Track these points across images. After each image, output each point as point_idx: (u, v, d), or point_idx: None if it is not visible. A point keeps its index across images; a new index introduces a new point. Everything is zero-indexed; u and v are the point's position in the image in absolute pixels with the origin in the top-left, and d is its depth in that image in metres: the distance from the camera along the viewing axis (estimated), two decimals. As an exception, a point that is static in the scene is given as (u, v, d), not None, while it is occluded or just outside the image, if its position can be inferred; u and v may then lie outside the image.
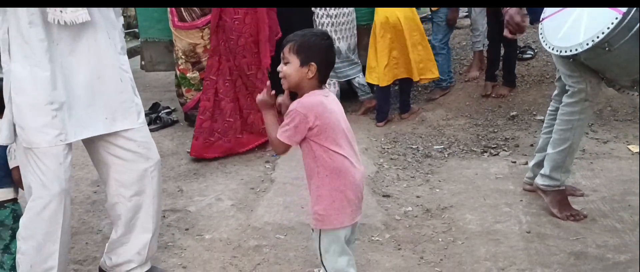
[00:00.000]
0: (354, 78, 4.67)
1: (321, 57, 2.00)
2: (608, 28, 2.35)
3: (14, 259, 2.28)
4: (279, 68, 2.04)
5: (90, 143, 2.27)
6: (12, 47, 2.02)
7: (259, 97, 2.08)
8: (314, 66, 1.98)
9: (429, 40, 4.75)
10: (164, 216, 3.12)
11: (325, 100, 2.01)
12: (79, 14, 2.01)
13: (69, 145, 2.14)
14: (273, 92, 2.06)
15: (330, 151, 2.01)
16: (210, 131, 3.95)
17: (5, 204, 2.35)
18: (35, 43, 2.00)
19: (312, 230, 2.15)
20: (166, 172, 3.82)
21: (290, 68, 2.00)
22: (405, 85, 4.63)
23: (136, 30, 6.58)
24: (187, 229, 2.98)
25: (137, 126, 2.27)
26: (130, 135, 2.26)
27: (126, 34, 6.29)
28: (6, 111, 2.11)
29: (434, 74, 4.57)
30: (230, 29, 3.84)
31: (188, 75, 4.37)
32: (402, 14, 4.32)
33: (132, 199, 2.31)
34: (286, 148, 2.04)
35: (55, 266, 2.18)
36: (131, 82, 2.30)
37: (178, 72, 4.43)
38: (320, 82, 2.04)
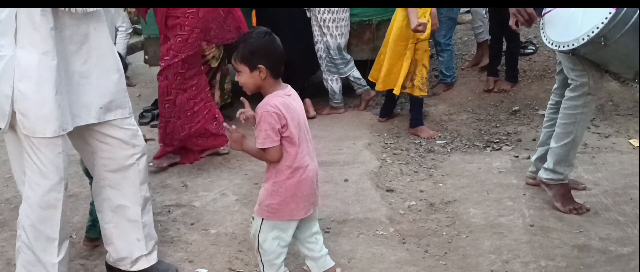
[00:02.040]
0: (349, 74, 4.70)
1: (265, 56, 2.06)
2: (602, 23, 2.39)
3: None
4: (236, 78, 2.14)
5: (77, 129, 2.24)
6: (20, 34, 2.00)
7: (230, 143, 2.16)
8: (262, 68, 2.06)
9: (432, 36, 4.71)
10: (169, 211, 3.14)
11: (287, 100, 2.09)
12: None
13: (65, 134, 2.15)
14: (234, 127, 2.13)
15: (293, 148, 2.09)
16: (177, 129, 3.70)
17: None
18: (45, 31, 2.00)
19: (253, 218, 2.24)
20: (169, 167, 3.83)
21: (244, 77, 2.09)
22: (412, 100, 4.26)
23: (137, 26, 6.59)
24: (192, 224, 3.00)
25: (126, 115, 2.30)
26: (119, 123, 2.28)
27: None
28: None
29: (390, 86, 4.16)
30: (182, 26, 3.60)
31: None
32: (396, 22, 4.06)
33: (118, 185, 2.33)
34: (278, 151, 2.09)
35: (56, 253, 2.20)
36: (123, 72, 2.33)
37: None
38: (275, 78, 2.11)
